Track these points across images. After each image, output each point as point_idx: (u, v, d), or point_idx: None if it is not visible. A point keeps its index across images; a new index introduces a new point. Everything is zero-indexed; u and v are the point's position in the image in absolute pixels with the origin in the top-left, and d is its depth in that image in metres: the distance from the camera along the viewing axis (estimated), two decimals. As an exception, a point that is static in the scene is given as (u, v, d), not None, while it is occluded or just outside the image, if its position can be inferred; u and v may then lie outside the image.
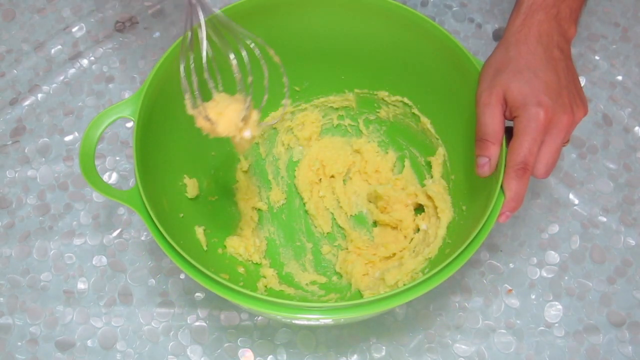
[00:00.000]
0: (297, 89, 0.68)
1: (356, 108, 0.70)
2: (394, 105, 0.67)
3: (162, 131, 0.58)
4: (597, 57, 0.78)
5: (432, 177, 0.66)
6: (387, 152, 0.70)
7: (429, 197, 0.64)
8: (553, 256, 0.67)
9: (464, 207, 0.60)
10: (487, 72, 0.52)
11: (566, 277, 0.66)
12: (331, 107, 0.71)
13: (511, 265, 0.67)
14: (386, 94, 0.67)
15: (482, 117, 0.50)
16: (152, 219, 0.49)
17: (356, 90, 0.68)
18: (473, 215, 0.55)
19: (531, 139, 0.48)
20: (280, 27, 0.61)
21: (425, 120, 0.65)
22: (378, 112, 0.70)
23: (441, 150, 0.65)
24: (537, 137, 0.48)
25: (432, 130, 0.65)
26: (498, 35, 0.80)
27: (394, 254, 0.64)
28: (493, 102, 0.50)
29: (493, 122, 0.50)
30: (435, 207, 0.62)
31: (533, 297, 0.65)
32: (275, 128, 0.71)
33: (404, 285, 0.48)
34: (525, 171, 0.48)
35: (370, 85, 0.67)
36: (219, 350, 0.63)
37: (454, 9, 0.82)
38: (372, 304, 0.47)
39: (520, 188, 0.49)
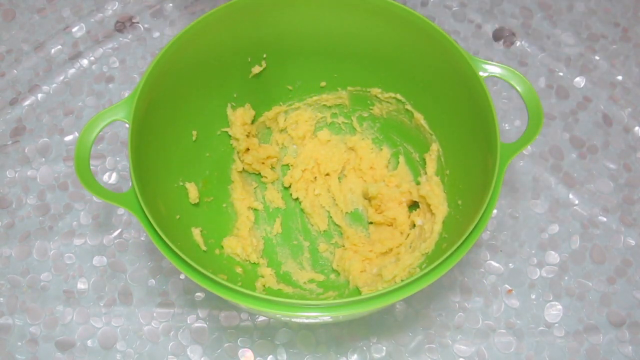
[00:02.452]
0: (289, 88, 0.68)
1: (349, 105, 0.70)
2: (387, 102, 0.67)
3: (157, 133, 0.58)
4: (597, 57, 0.78)
5: (426, 173, 0.66)
6: (381, 149, 0.70)
7: (422, 195, 0.64)
8: (553, 256, 0.67)
9: (459, 202, 0.60)
10: None
11: (566, 277, 0.66)
12: (324, 105, 0.71)
13: (511, 266, 0.67)
14: (379, 90, 0.67)
15: None
16: (149, 221, 0.50)
17: (349, 88, 0.68)
18: (469, 210, 0.55)
19: None
20: (271, 26, 0.61)
21: (419, 116, 0.65)
22: (371, 109, 0.70)
23: (435, 146, 0.65)
24: None
25: (426, 126, 0.65)
26: (498, 36, 0.80)
27: (391, 250, 0.64)
28: None
29: None
30: (429, 204, 0.62)
31: (533, 297, 0.65)
32: (269, 127, 0.71)
33: (402, 280, 0.48)
34: None
35: (363, 82, 0.67)
36: (219, 350, 0.63)
37: (454, 9, 0.82)
38: (370, 301, 0.47)
39: None
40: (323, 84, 0.69)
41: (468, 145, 0.59)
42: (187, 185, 0.62)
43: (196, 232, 0.60)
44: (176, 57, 0.57)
